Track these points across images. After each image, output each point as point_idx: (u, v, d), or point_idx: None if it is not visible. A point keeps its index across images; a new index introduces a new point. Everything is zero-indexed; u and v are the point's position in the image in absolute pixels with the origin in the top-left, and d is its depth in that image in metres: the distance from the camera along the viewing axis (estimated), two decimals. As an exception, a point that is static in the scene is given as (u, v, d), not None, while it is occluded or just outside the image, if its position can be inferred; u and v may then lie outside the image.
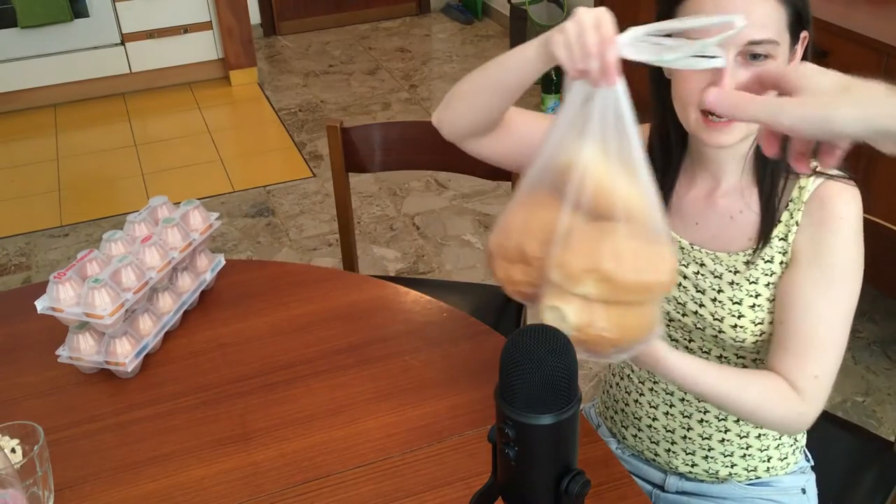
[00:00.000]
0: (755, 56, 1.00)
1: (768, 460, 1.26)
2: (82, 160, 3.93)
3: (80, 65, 4.40)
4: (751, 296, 1.12)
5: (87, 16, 4.30)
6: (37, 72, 4.35)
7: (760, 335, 1.13)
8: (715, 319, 1.14)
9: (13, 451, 1.04)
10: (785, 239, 1.10)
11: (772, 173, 1.11)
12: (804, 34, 1.06)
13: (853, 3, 2.47)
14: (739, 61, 1.00)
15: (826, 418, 1.50)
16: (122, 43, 4.42)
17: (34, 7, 4.16)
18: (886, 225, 1.33)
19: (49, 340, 1.34)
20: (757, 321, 1.12)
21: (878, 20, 2.34)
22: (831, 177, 1.08)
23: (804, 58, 1.08)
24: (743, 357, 1.18)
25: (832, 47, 2.30)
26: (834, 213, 1.07)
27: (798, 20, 1.03)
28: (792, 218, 1.10)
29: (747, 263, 1.12)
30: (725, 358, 1.18)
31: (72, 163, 3.91)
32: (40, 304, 1.26)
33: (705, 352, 1.19)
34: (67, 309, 1.25)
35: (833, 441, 1.46)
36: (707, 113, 1.03)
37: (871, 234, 1.12)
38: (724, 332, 1.14)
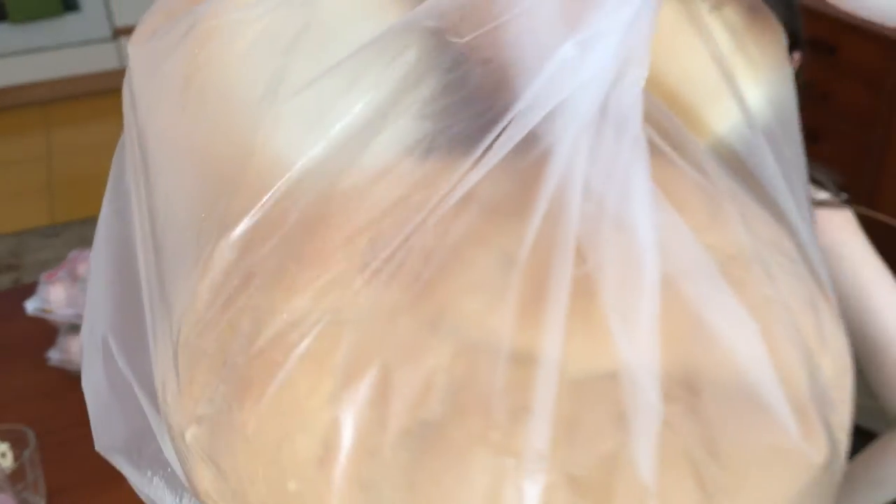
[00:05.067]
0: None
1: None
2: (74, 158, 3.90)
3: (71, 60, 4.37)
4: None
5: (78, 9, 4.27)
6: (26, 67, 4.32)
7: None
8: None
9: (3, 455, 1.02)
10: None
11: None
12: (796, 55, 1.03)
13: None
14: None
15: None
16: (115, 38, 4.39)
17: (24, 0, 4.13)
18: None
19: (39, 342, 1.31)
20: None
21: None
22: (819, 203, 1.04)
23: (798, 88, 1.05)
24: None
25: (840, 42, 2.28)
26: (831, 241, 1.03)
27: (791, 38, 1.01)
28: None
29: None
30: None
31: (63, 161, 3.88)
32: (30, 305, 1.24)
33: None
34: (58, 310, 1.23)
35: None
36: None
37: (882, 233, 1.10)
38: None
